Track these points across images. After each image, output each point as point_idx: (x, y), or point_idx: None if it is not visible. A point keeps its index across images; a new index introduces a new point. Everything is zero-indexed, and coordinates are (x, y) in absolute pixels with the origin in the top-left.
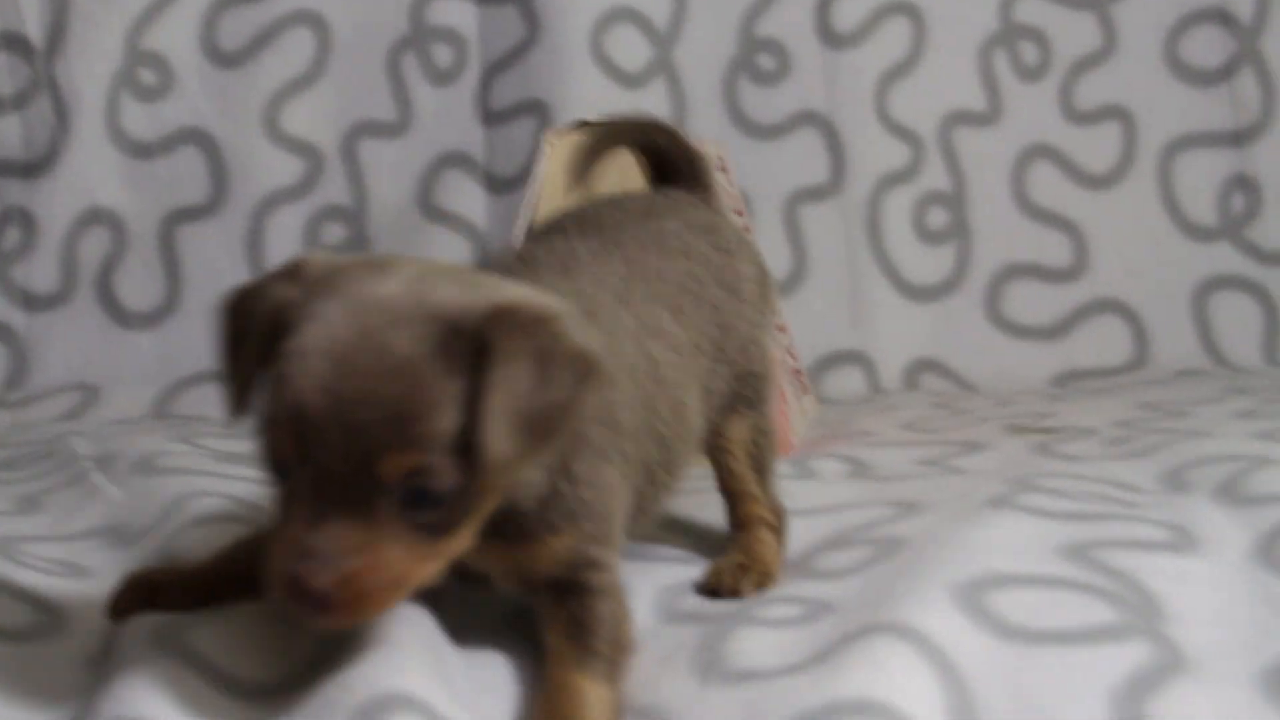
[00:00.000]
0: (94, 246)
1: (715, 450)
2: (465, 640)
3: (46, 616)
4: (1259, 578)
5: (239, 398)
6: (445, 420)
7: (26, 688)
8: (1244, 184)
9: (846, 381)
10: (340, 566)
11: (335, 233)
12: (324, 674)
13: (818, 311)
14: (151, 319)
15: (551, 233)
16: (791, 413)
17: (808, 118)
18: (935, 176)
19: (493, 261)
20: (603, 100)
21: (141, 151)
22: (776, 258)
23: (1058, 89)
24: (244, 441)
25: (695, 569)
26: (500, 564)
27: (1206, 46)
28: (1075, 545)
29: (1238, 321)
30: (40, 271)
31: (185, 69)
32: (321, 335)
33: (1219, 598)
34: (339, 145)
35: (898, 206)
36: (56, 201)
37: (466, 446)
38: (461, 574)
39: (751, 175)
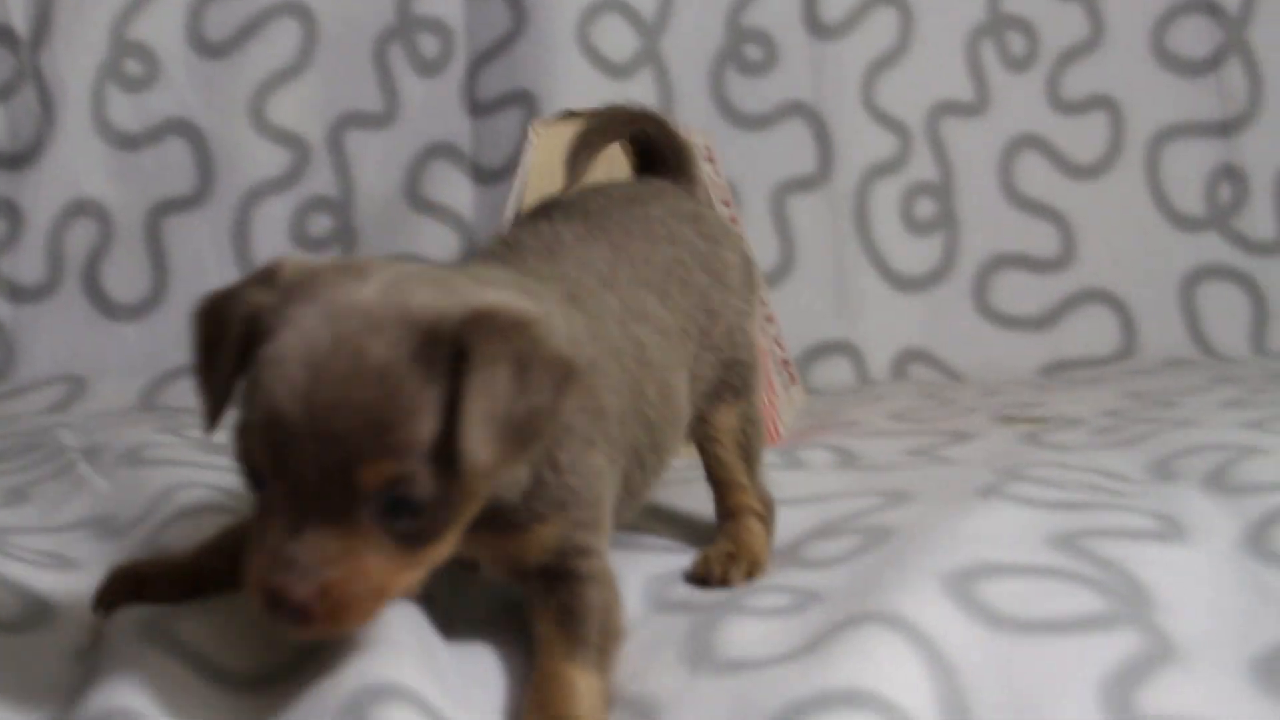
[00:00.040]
0: (80, 238)
1: (703, 439)
2: (453, 633)
3: (34, 608)
4: (1248, 566)
5: (215, 406)
6: (424, 427)
7: (14, 679)
8: (1231, 174)
9: (834, 372)
10: (319, 577)
11: (322, 224)
12: (313, 665)
13: (806, 302)
14: (138, 310)
15: (536, 218)
16: (780, 403)
17: (795, 108)
18: (923, 167)
19: (478, 249)
20: (590, 91)
21: (127, 143)
22: (764, 248)
23: (1045, 79)
24: (230, 433)
25: (683, 558)
26: (488, 552)
27: (1194, 37)
28: (1064, 535)
29: (1225, 311)
30: (26, 263)
31: (171, 60)
32: (297, 342)
33: (1208, 587)
34: (325, 136)
35: (885, 197)
36: (42, 193)
37: (446, 453)
38: (449, 560)
39: (739, 166)
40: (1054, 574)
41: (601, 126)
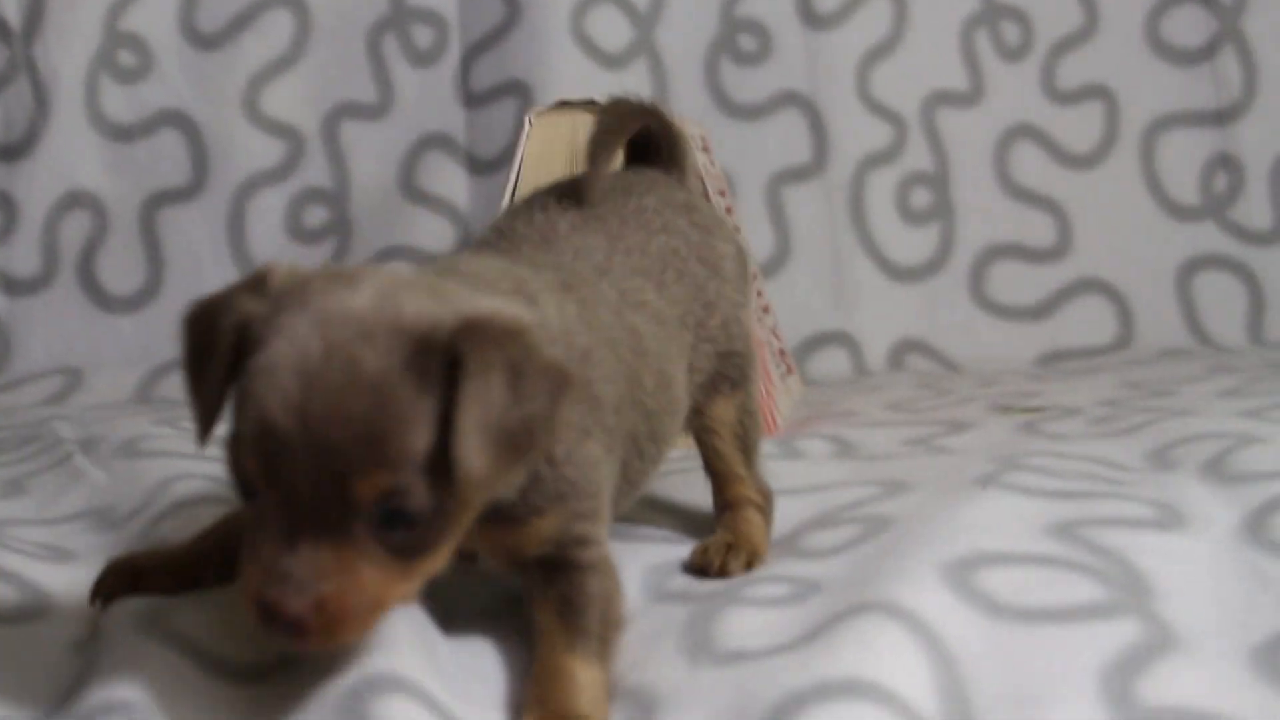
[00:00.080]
0: (75, 230)
1: (701, 431)
2: (452, 626)
3: (32, 600)
4: (1247, 555)
5: (207, 416)
6: (418, 438)
7: (12, 671)
8: (1227, 163)
9: (831, 362)
10: (314, 591)
11: (317, 215)
12: (313, 657)
13: (802, 293)
14: (133, 302)
15: (531, 207)
16: (777, 393)
17: (790, 98)
18: (918, 157)
19: (474, 238)
20: (584, 81)
21: (121, 134)
22: (760, 239)
23: (1039, 69)
24: (222, 442)
25: (682, 549)
26: (487, 544)
27: (1188, 26)
28: (1063, 523)
29: (1222, 301)
30: (21, 255)
31: (164, 51)
32: (289, 351)
33: (1207, 575)
34: (320, 127)
35: (881, 187)
36: (36, 185)
37: (441, 464)
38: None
39: (734, 156)
40: (1053, 563)
41: (616, 123)
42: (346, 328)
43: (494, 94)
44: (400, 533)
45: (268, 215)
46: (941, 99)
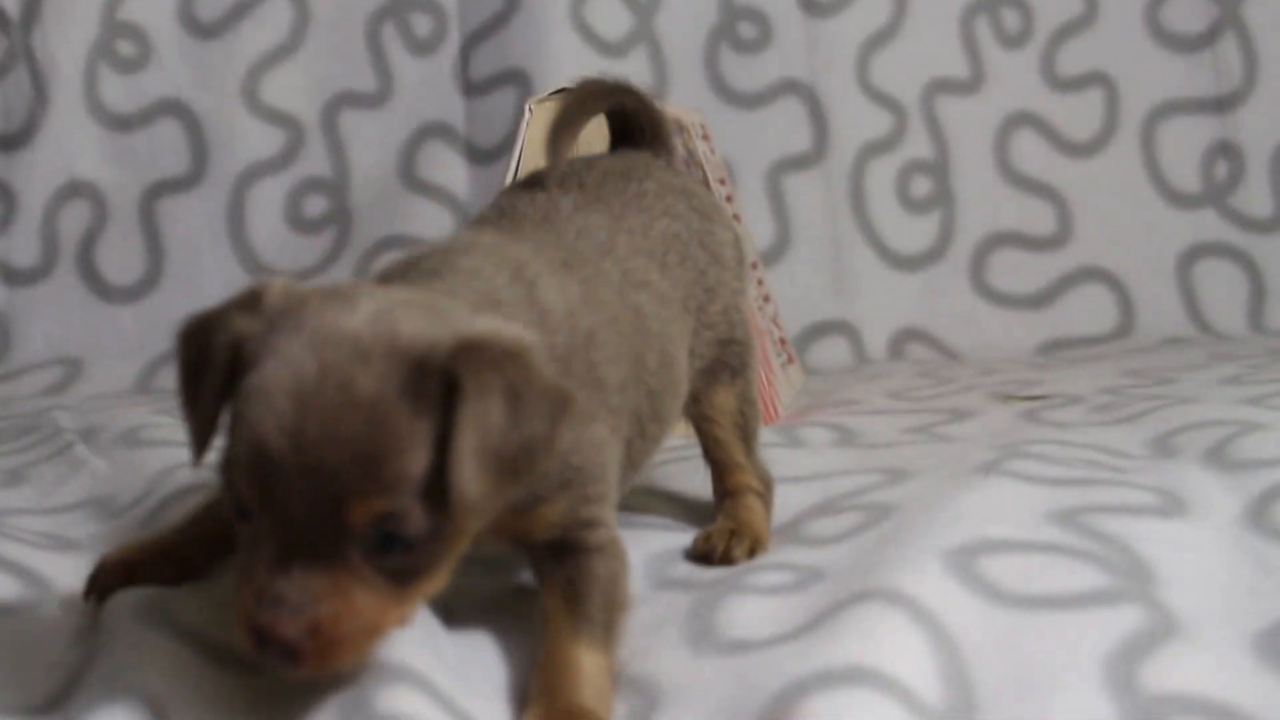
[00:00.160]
0: (74, 220)
1: (701, 420)
2: (454, 618)
3: (33, 589)
4: (1249, 541)
5: (201, 436)
6: (415, 462)
7: (13, 660)
8: (1227, 151)
9: (832, 351)
10: (309, 615)
11: (317, 204)
12: None
13: (802, 281)
14: (133, 293)
15: (531, 187)
16: (778, 382)
17: (789, 86)
18: (918, 145)
19: (472, 218)
20: (583, 70)
21: (120, 124)
22: (760, 227)
23: (1040, 56)
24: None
25: (683, 536)
26: (493, 529)
27: (1188, 13)
28: (1065, 511)
29: (1222, 289)
30: (20, 245)
31: (163, 40)
32: (283, 373)
33: (1210, 562)
34: (319, 117)
35: (881, 175)
36: (36, 175)
37: (437, 487)
38: None
39: (734, 144)
40: (1055, 550)
41: (580, 103)
42: (342, 349)
43: (493, 83)
44: (396, 556)
45: (267, 205)
46: (941, 87)
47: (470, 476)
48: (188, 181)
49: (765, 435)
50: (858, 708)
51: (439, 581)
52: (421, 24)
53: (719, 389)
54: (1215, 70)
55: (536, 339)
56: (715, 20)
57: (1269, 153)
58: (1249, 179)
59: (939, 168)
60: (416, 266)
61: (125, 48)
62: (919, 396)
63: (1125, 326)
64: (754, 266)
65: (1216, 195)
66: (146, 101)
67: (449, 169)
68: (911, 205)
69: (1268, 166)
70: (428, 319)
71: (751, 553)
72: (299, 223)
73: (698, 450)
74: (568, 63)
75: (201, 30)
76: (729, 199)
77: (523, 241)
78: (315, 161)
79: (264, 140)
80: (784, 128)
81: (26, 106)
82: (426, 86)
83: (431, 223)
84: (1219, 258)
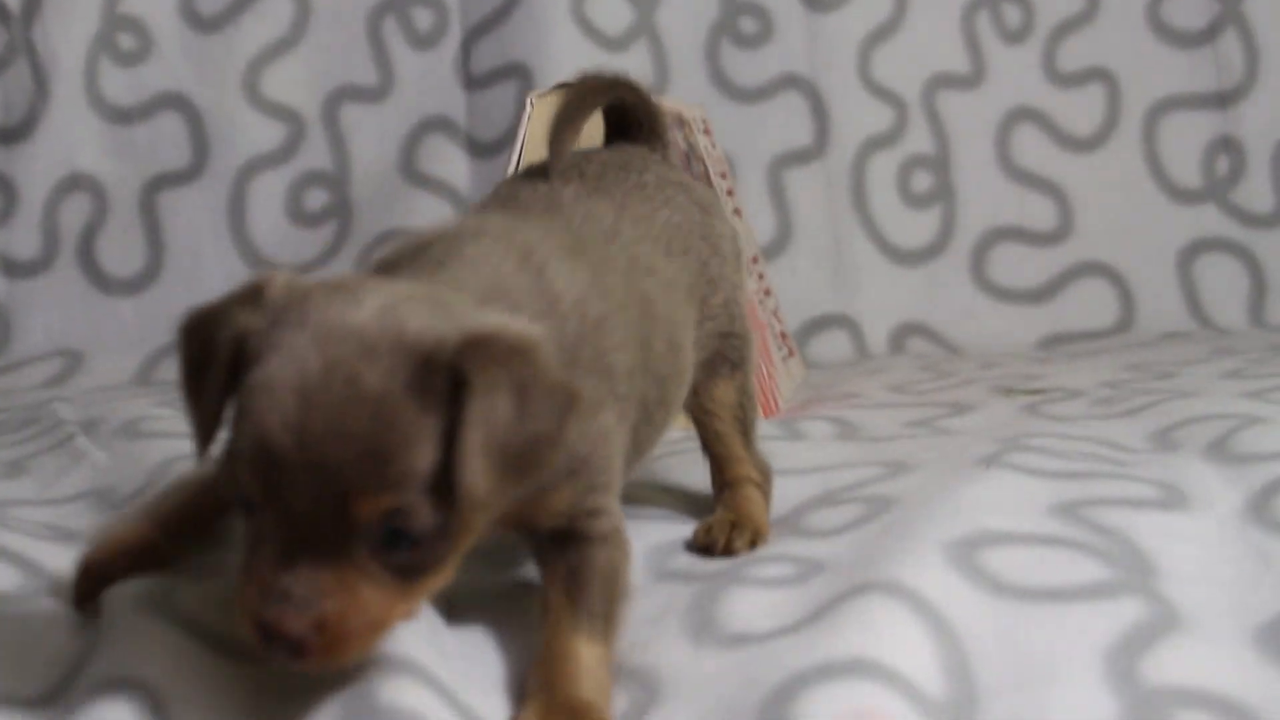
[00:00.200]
0: (75, 213)
1: (701, 414)
2: (454, 611)
3: (34, 579)
4: (1250, 535)
5: (205, 431)
6: (421, 458)
7: (13, 651)
8: (1228, 146)
9: (832, 345)
10: (314, 610)
11: (317, 198)
12: None
13: (803, 275)
14: (133, 285)
15: (532, 177)
16: (778, 376)
17: (791, 81)
18: (919, 140)
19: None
20: (585, 64)
21: (121, 117)
22: (761, 222)
23: (1041, 51)
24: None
25: (683, 527)
26: (498, 516)
27: (1189, 8)
28: (1066, 503)
29: (1223, 284)
30: (21, 238)
31: (164, 34)
32: (288, 368)
33: (1211, 555)
34: (320, 110)
35: (882, 170)
36: (36, 167)
37: (443, 483)
38: None
39: (735, 139)
40: (1057, 543)
41: (582, 98)
42: (347, 344)
43: (494, 77)
44: (401, 552)
45: (268, 198)
46: (942, 82)
47: (477, 473)
48: (188, 175)
49: (766, 428)
50: (859, 699)
51: (444, 577)
52: (422, 18)
53: (719, 382)
54: (1216, 65)
55: (544, 334)
56: (716, 15)
57: (1270, 148)
58: (1250, 174)
59: (940, 162)
60: (423, 255)
61: (126, 41)
62: (920, 390)
63: (1126, 321)
64: (755, 261)
65: (1217, 190)
66: (147, 95)
67: (450, 163)
68: (912, 200)
69: (1269, 162)
70: (434, 314)
71: (752, 544)
72: (300, 216)
73: (696, 443)
74: (568, 57)
75: (202, 23)
76: (730, 193)
77: (530, 226)
78: (316, 155)
79: (265, 134)
80: (785, 122)
81: (27, 99)
82: (427, 80)
83: (432, 217)
84: (1220, 253)
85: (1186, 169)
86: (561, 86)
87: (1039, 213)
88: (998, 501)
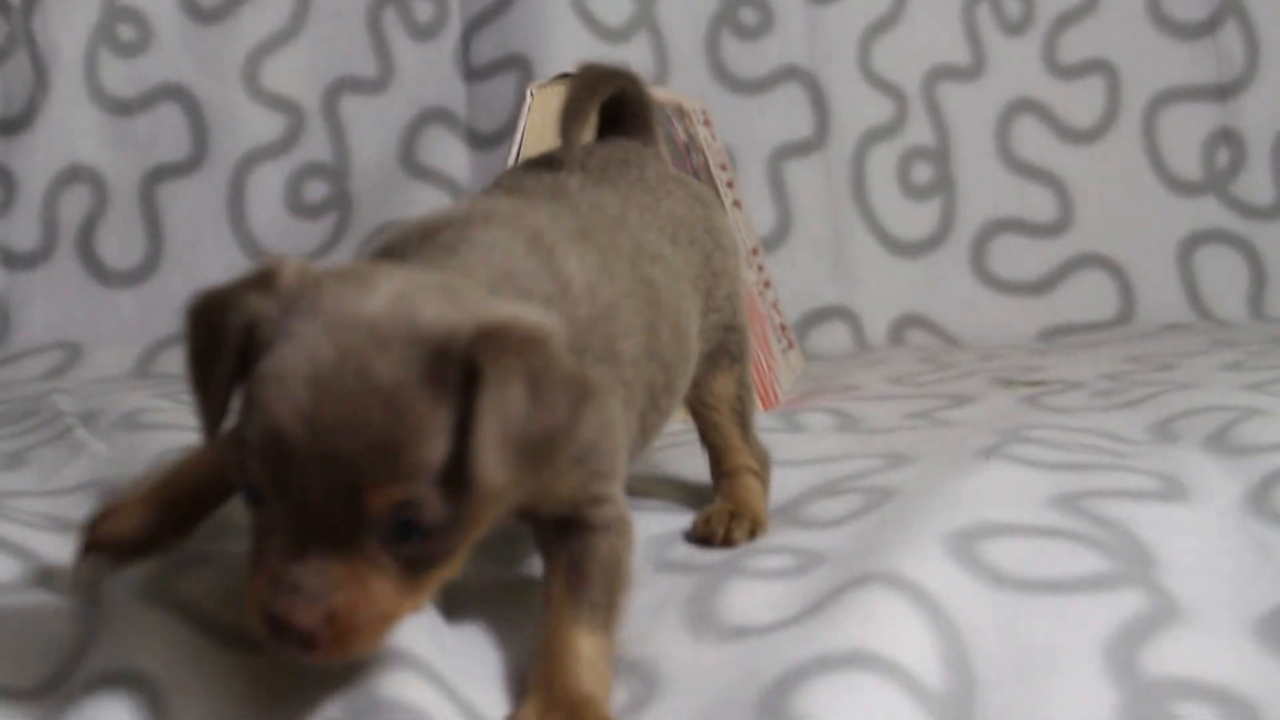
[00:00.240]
0: (74, 204)
1: (700, 406)
2: (453, 604)
3: (34, 570)
4: (1250, 527)
5: (212, 419)
6: (434, 450)
7: (14, 640)
8: (1229, 138)
9: (832, 337)
10: (325, 603)
11: (317, 190)
12: None
13: (803, 267)
14: (133, 277)
15: (535, 167)
16: (778, 368)
17: (791, 73)
18: (919, 131)
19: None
20: (585, 55)
21: (121, 108)
22: (761, 213)
23: (1041, 43)
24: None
25: (681, 518)
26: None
27: (1190, 0)
28: (1066, 495)
29: (1223, 276)
30: (20, 229)
31: (164, 25)
32: (300, 357)
33: (1211, 546)
34: (320, 102)
35: (882, 162)
36: (36, 159)
37: (455, 475)
38: None
39: (735, 131)
40: (1056, 534)
41: (587, 88)
42: (360, 334)
43: (495, 68)
44: (412, 544)
45: (268, 190)
46: (943, 73)
47: (492, 464)
48: (188, 166)
49: (766, 420)
50: (859, 691)
51: (453, 569)
52: (422, 9)
53: (718, 375)
54: (1217, 57)
55: (557, 323)
56: (716, 6)
57: (1270, 140)
58: (1250, 166)
59: (940, 154)
60: (431, 240)
61: (126, 32)
62: (920, 382)
63: (1126, 313)
64: (754, 253)
65: (1218, 182)
66: (147, 86)
67: (450, 154)
68: (912, 192)
69: (1269, 154)
70: (447, 304)
71: (751, 534)
72: (299, 208)
73: (694, 434)
74: (569, 48)
75: (202, 15)
76: (730, 185)
77: (539, 211)
78: (316, 147)
79: (264, 125)
80: (785, 114)
81: (27, 90)
82: (427, 72)
83: (432, 208)
84: (1220, 245)
85: (1187, 161)
86: (562, 77)
87: (1039, 205)
88: (998, 493)
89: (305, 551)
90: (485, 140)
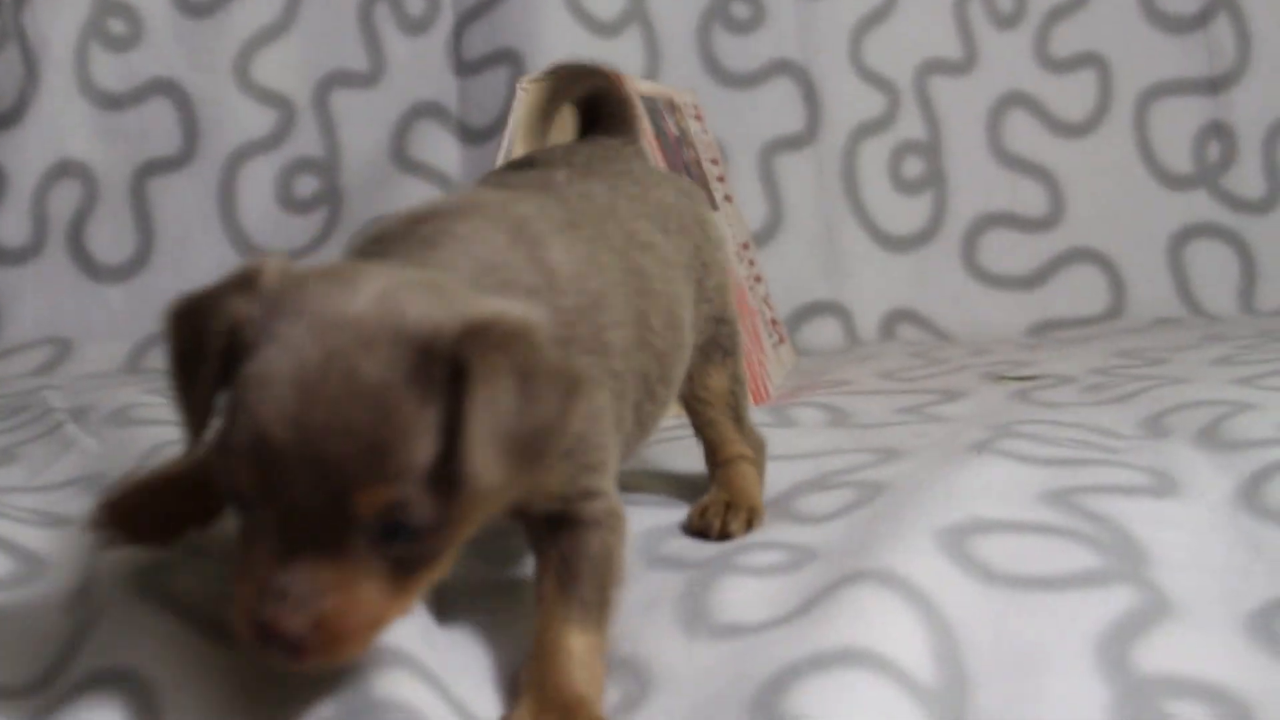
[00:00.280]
0: (65, 199)
1: (694, 401)
2: (445, 603)
3: (25, 564)
4: (1241, 522)
5: (196, 424)
6: (422, 450)
7: (6, 635)
8: (1220, 132)
9: (823, 332)
10: (313, 608)
11: (308, 184)
12: None
13: (794, 262)
14: (123, 272)
15: (521, 166)
16: (769, 363)
17: (782, 66)
18: (911, 125)
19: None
20: (576, 50)
21: (111, 103)
22: (753, 208)
23: (1033, 37)
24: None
25: (674, 512)
26: None
27: None
28: (1057, 491)
29: (1214, 270)
30: (10, 224)
31: (154, 19)
32: (285, 359)
33: (1202, 542)
34: (311, 96)
35: (873, 156)
36: (26, 153)
37: (443, 474)
38: None
39: (726, 124)
40: (1048, 530)
41: (556, 89)
42: (345, 334)
43: (486, 62)
44: (401, 546)
45: (258, 184)
46: (934, 67)
47: (484, 463)
48: (178, 161)
49: (757, 415)
50: (851, 688)
51: (441, 570)
52: (414, 3)
53: (712, 370)
54: (1208, 51)
55: (543, 316)
56: (708, 0)
57: (1261, 134)
58: (1241, 160)
59: (931, 148)
60: (412, 234)
61: (116, 26)
62: (910, 377)
63: (1116, 307)
64: (745, 247)
65: (1209, 176)
66: (137, 81)
67: (441, 149)
68: (903, 186)
69: (1260, 148)
70: (432, 301)
71: (748, 524)
72: (290, 203)
73: (686, 429)
74: (560, 43)
75: (193, 9)
76: (721, 179)
77: (524, 202)
78: (307, 141)
79: (255, 120)
80: (776, 108)
81: (17, 85)
82: (418, 66)
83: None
84: (1211, 239)
85: (1178, 155)
86: (554, 71)
87: (1030, 199)
88: (989, 488)
89: (293, 556)
90: (476, 135)
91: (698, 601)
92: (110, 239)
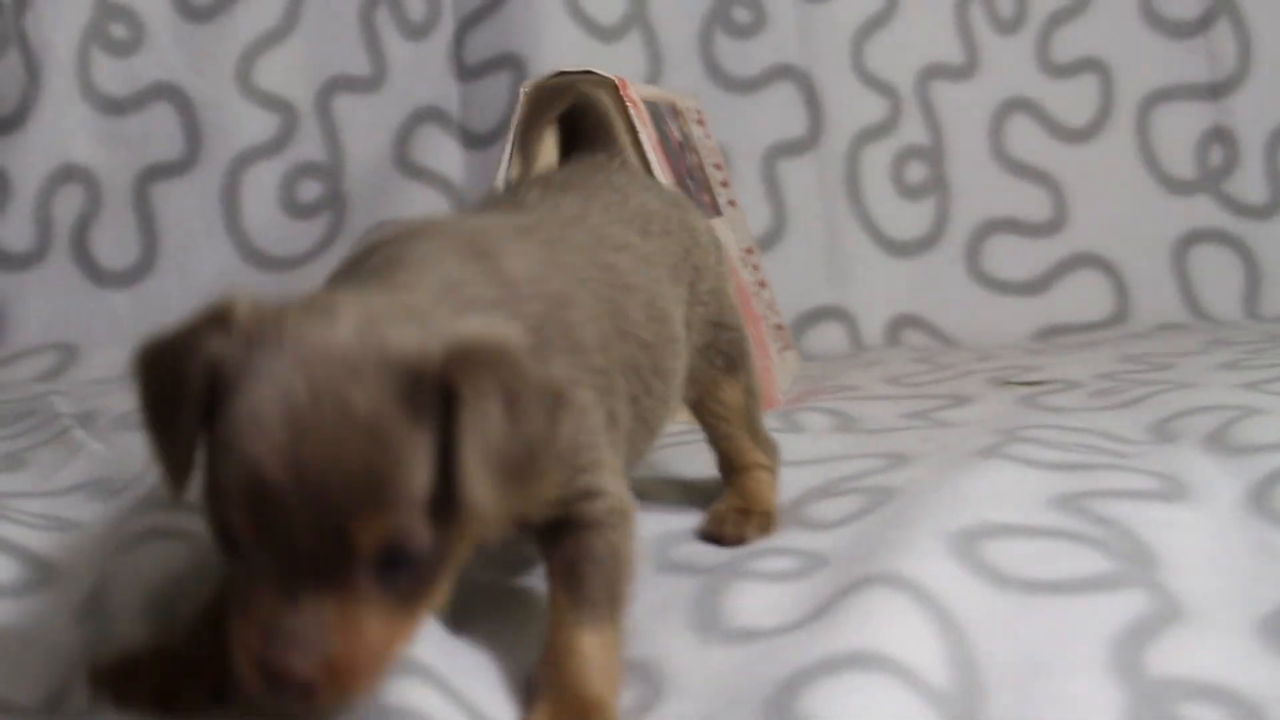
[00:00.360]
0: (68, 204)
1: (709, 415)
2: (458, 613)
3: (34, 571)
4: (1251, 525)
5: (179, 472)
6: (417, 476)
7: (16, 641)
8: (1222, 137)
9: (828, 337)
10: (322, 649)
11: (311, 189)
12: None
13: (798, 267)
14: (128, 277)
15: (495, 194)
16: (774, 368)
17: (784, 71)
18: (913, 130)
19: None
20: (578, 54)
21: (114, 107)
22: (755, 213)
23: (1034, 42)
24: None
25: (683, 518)
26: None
27: None
28: (1067, 495)
29: (1217, 275)
30: (14, 230)
31: (156, 23)
32: (272, 396)
33: (1213, 546)
34: (313, 101)
35: (876, 161)
36: (29, 159)
37: (439, 499)
38: None
39: (728, 129)
40: (1058, 534)
41: (538, 107)
42: (331, 366)
43: (488, 67)
44: (402, 575)
45: (261, 189)
46: (936, 72)
47: (480, 485)
48: (181, 166)
49: (766, 420)
50: (864, 691)
51: (443, 594)
52: (415, 7)
53: (724, 384)
54: (1210, 56)
55: (517, 330)
56: (710, 5)
57: (1264, 139)
58: (1244, 165)
59: (934, 154)
60: (367, 261)
61: (118, 31)
62: (917, 382)
63: (1120, 313)
64: (749, 252)
65: (1211, 181)
66: (140, 85)
67: (443, 154)
68: (906, 191)
69: (1262, 152)
70: (412, 324)
71: (762, 530)
72: (293, 208)
73: (696, 435)
74: (562, 47)
75: (195, 13)
76: (724, 184)
77: (477, 218)
78: (309, 146)
79: (258, 124)
80: (779, 113)
81: (19, 90)
82: (420, 71)
83: (426, 208)
84: (1214, 244)
85: (1180, 160)
86: (557, 76)
87: (1033, 204)
88: (998, 493)
89: (295, 596)
90: (478, 140)
91: (709, 606)
92: (114, 244)
